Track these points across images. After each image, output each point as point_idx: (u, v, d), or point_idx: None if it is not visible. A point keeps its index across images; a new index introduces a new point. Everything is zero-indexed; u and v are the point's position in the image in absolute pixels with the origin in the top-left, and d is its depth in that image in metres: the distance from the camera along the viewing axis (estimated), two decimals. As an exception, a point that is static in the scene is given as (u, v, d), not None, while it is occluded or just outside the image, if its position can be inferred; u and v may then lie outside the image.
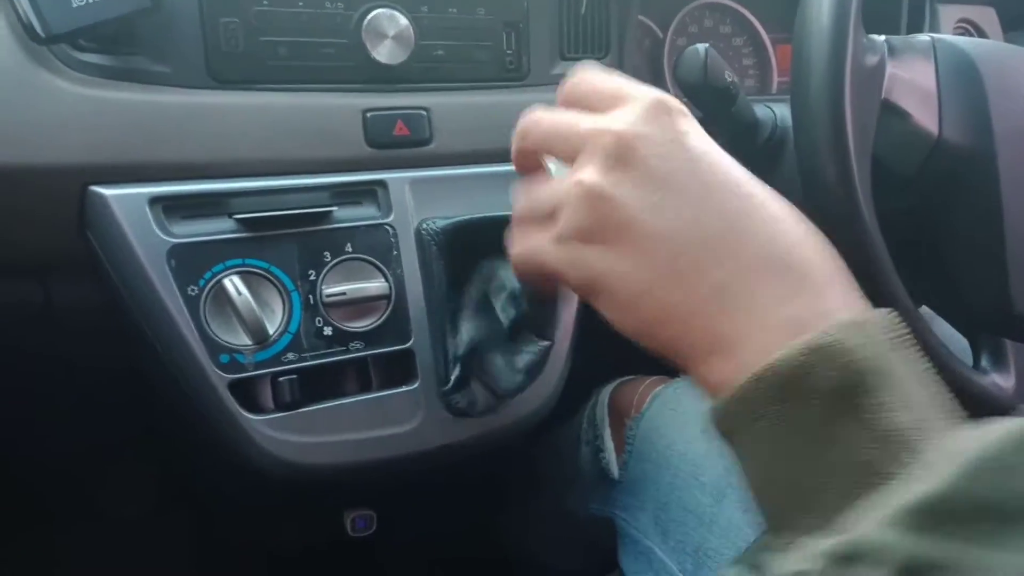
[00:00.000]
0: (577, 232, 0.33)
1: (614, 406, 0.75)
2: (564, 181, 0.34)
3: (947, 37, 0.52)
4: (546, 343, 0.58)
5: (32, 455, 0.87)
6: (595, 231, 0.32)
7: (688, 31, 0.84)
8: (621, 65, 0.69)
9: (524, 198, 0.38)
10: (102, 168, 0.49)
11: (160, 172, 0.51)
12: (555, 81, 0.64)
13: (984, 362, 0.54)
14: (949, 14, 0.89)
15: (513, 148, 0.39)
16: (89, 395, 0.77)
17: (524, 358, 0.55)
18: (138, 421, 0.82)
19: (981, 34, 0.91)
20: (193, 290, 0.50)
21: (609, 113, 0.34)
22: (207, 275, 0.50)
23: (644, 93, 0.34)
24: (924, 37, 0.52)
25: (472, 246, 0.57)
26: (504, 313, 0.52)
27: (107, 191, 0.49)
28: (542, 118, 0.36)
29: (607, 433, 0.74)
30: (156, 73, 0.51)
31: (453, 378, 0.55)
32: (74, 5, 0.48)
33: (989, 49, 0.52)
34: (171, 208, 0.50)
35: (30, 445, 0.86)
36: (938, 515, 0.24)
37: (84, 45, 0.50)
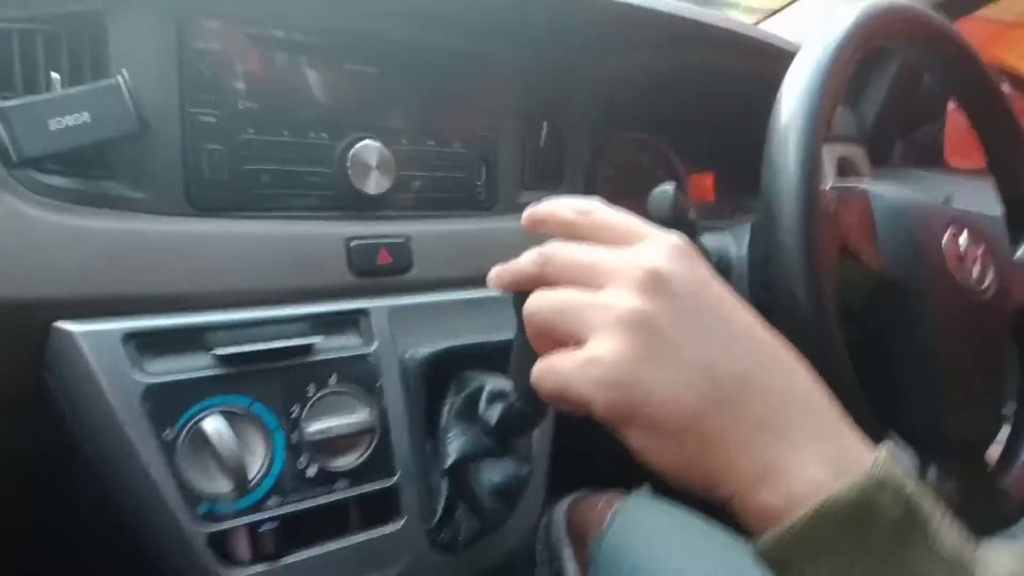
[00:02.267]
0: (615, 357, 0.31)
1: (572, 524, 0.74)
2: (594, 305, 0.33)
3: (878, 188, 0.60)
4: (527, 468, 0.57)
5: None
6: (635, 357, 0.31)
7: (614, 161, 0.91)
8: (574, 193, 0.72)
9: (543, 318, 0.35)
10: (70, 302, 0.45)
11: (134, 305, 0.47)
12: (520, 209, 0.66)
13: (930, 477, 0.59)
14: (831, 152, 1.02)
15: (524, 272, 0.37)
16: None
17: (505, 481, 0.55)
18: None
19: (855, 170, 1.04)
20: (169, 434, 0.46)
21: (633, 248, 0.34)
22: (185, 416, 0.46)
23: (661, 233, 0.36)
24: (861, 186, 0.59)
25: (454, 370, 0.56)
26: (489, 414, 0.51)
27: (75, 327, 0.45)
28: (559, 250, 0.36)
29: (567, 553, 0.72)
30: (131, 199, 0.48)
31: (440, 510, 0.53)
32: (51, 128, 0.45)
33: (913, 200, 0.60)
34: (146, 345, 0.46)
35: None
36: None
37: (51, 168, 0.47)
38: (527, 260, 0.38)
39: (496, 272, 0.40)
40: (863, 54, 0.56)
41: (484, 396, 0.52)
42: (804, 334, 0.51)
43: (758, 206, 0.54)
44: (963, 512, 0.53)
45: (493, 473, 0.56)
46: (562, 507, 0.77)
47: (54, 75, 0.46)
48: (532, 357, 0.36)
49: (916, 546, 0.29)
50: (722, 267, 0.69)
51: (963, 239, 0.61)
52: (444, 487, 0.54)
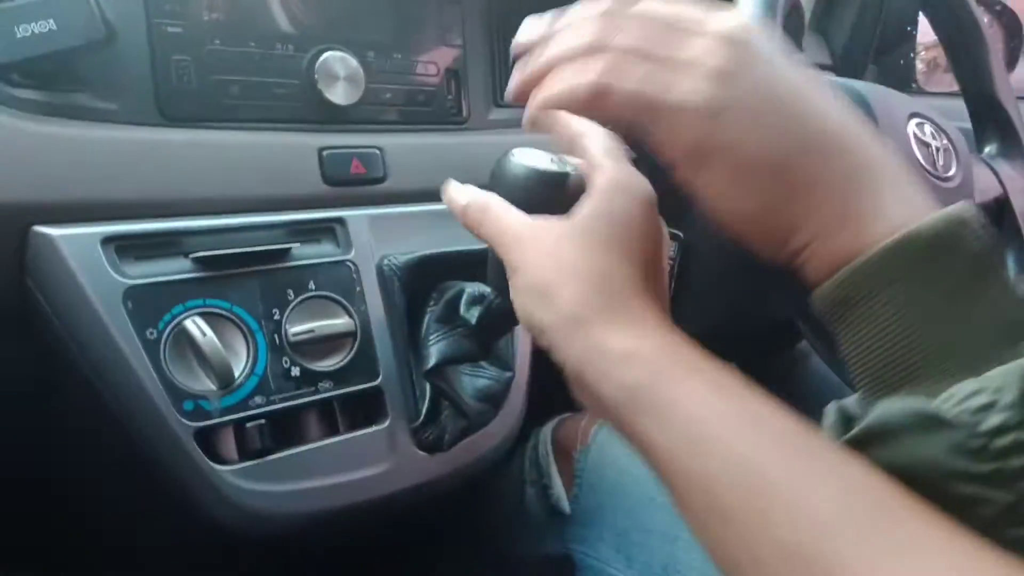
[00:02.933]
0: (711, 75, 0.30)
1: (557, 443, 0.76)
2: (687, 26, 0.31)
3: (845, 80, 0.61)
4: (508, 374, 0.59)
5: None
6: (732, 82, 0.30)
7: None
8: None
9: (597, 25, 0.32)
10: (47, 207, 0.46)
11: (110, 211, 0.47)
12: (492, 126, 0.68)
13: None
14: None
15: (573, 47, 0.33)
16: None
17: (487, 384, 0.56)
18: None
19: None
20: (152, 333, 0.47)
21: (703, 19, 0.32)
22: (166, 317, 0.47)
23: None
24: (826, 77, 0.61)
25: (433, 280, 0.57)
26: (469, 314, 0.53)
27: (54, 231, 0.45)
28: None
29: (553, 470, 0.74)
30: (102, 110, 0.49)
31: (424, 411, 0.54)
32: (17, 35, 0.45)
33: (873, 88, 0.61)
34: (125, 248, 0.47)
35: None
36: None
37: (19, 80, 0.47)
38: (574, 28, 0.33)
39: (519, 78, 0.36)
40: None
41: (464, 299, 0.54)
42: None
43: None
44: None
45: (475, 377, 0.57)
46: (548, 428, 0.78)
47: (18, -15, 0.47)
48: None
49: (993, 281, 0.29)
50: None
51: (928, 130, 0.62)
52: (428, 389, 0.55)
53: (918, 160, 0.59)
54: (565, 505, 0.72)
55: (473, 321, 0.52)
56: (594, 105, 0.32)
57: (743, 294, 0.67)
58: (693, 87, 0.30)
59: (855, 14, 1.07)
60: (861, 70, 1.07)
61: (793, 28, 0.91)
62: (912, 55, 1.10)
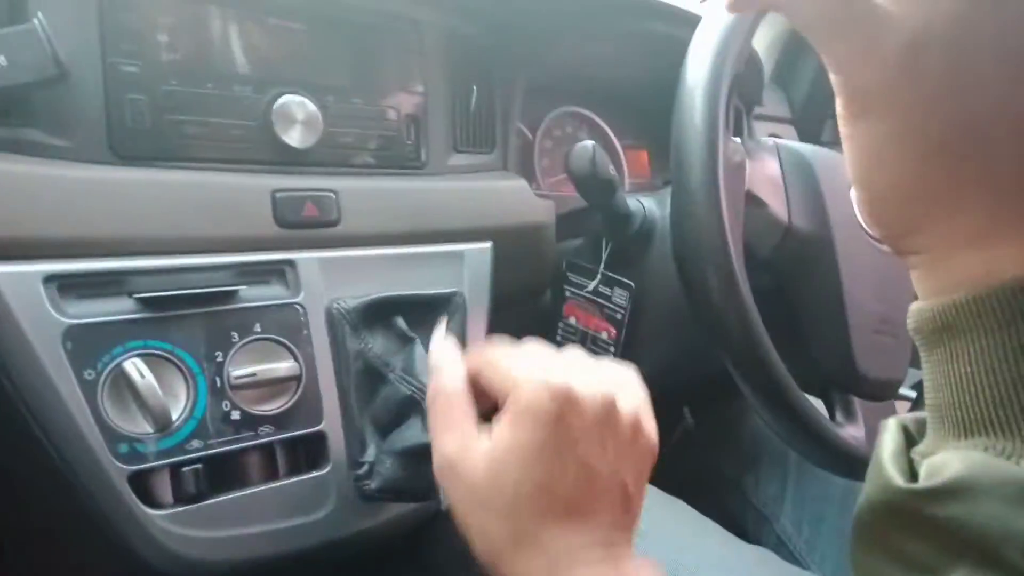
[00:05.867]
0: None
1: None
2: None
3: (786, 142, 0.63)
4: None
5: None
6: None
7: (553, 134, 0.93)
8: (505, 160, 0.74)
9: None
10: (-12, 243, 0.45)
11: (55, 249, 0.47)
12: (451, 171, 0.68)
13: (839, 416, 0.62)
14: (761, 129, 1.06)
15: None
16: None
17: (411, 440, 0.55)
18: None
19: (786, 147, 1.08)
20: (90, 374, 0.46)
21: None
22: (106, 358, 0.47)
23: None
24: (769, 141, 0.62)
25: (382, 326, 0.58)
26: (403, 384, 0.53)
27: (-6, 268, 0.45)
28: None
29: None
30: (54, 147, 0.49)
31: (367, 461, 0.54)
32: (-32, 72, 0.45)
33: (818, 152, 0.63)
34: (67, 287, 0.47)
35: None
36: None
37: (-33, 115, 0.47)
38: None
39: None
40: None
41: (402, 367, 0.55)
42: (712, 278, 0.53)
43: (671, 164, 0.57)
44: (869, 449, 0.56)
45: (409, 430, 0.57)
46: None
47: (-27, 22, 0.47)
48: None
49: None
50: (646, 227, 0.72)
51: (869, 193, 0.64)
52: (370, 437, 0.55)
53: (860, 225, 0.61)
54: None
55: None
56: None
57: (689, 342, 0.69)
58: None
59: (815, 67, 1.10)
60: (820, 125, 1.10)
61: (751, 82, 0.94)
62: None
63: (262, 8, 0.56)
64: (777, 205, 0.60)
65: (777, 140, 0.63)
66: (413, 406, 0.53)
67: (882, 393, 0.63)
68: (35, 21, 0.46)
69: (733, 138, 0.60)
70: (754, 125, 1.04)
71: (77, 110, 0.49)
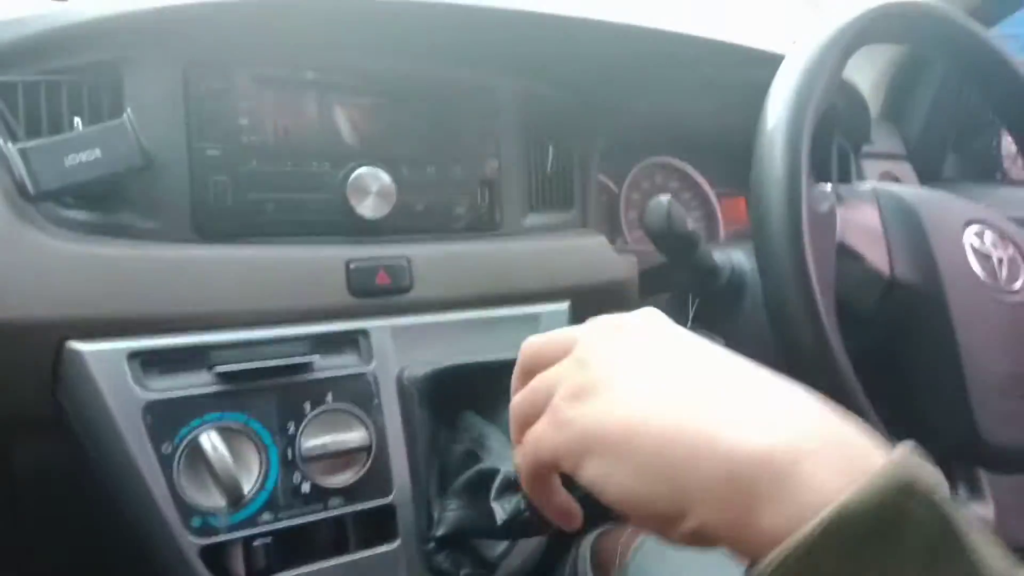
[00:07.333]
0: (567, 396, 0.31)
1: (597, 556, 0.72)
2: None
3: (885, 185, 0.57)
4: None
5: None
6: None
7: (641, 187, 0.90)
8: (585, 217, 0.73)
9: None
10: (80, 322, 0.48)
11: (140, 326, 0.50)
12: (527, 232, 0.68)
13: (962, 493, 0.55)
14: (873, 168, 0.98)
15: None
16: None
17: (508, 511, 0.53)
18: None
19: (902, 186, 1.00)
20: (167, 448, 0.48)
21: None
22: (183, 431, 0.49)
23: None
24: (866, 186, 0.57)
25: (455, 394, 0.57)
26: (499, 504, 0.49)
27: (84, 346, 0.48)
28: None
29: (591, 586, 0.70)
30: (142, 229, 0.52)
31: (437, 536, 0.53)
32: (66, 164, 0.49)
33: (923, 195, 0.57)
34: (149, 363, 0.49)
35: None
36: None
37: (70, 202, 0.51)
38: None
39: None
40: (854, 52, 0.54)
41: (497, 483, 0.50)
42: (799, 340, 0.49)
43: (750, 216, 0.53)
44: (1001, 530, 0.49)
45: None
46: (588, 541, 0.75)
47: (76, 120, 0.51)
48: None
49: (959, 565, 0.23)
50: (735, 281, 0.67)
51: (988, 238, 0.57)
52: (442, 525, 0.53)
53: (975, 274, 0.54)
54: (602, 626, 0.68)
55: (499, 520, 0.48)
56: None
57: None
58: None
59: (930, 99, 1.02)
60: (939, 160, 1.01)
61: (856, 119, 0.88)
62: (996, 141, 1.03)
63: (339, 88, 0.58)
64: (876, 256, 0.55)
65: (876, 185, 0.58)
66: (487, 479, 0.51)
67: (1014, 464, 0.55)
68: (125, 116, 0.50)
69: (821, 185, 0.56)
70: (863, 164, 0.97)
71: (164, 193, 0.53)
